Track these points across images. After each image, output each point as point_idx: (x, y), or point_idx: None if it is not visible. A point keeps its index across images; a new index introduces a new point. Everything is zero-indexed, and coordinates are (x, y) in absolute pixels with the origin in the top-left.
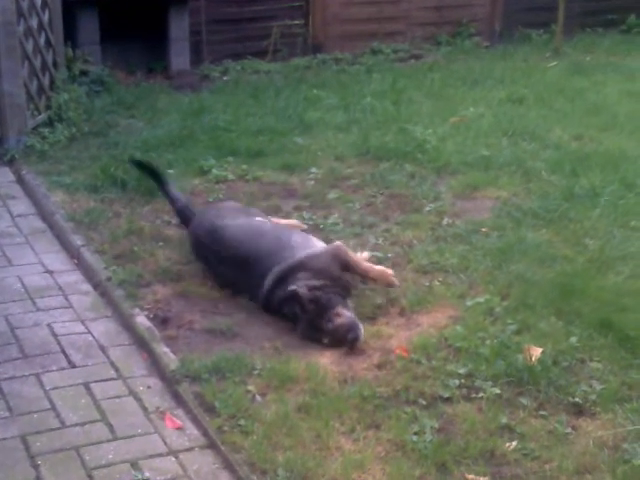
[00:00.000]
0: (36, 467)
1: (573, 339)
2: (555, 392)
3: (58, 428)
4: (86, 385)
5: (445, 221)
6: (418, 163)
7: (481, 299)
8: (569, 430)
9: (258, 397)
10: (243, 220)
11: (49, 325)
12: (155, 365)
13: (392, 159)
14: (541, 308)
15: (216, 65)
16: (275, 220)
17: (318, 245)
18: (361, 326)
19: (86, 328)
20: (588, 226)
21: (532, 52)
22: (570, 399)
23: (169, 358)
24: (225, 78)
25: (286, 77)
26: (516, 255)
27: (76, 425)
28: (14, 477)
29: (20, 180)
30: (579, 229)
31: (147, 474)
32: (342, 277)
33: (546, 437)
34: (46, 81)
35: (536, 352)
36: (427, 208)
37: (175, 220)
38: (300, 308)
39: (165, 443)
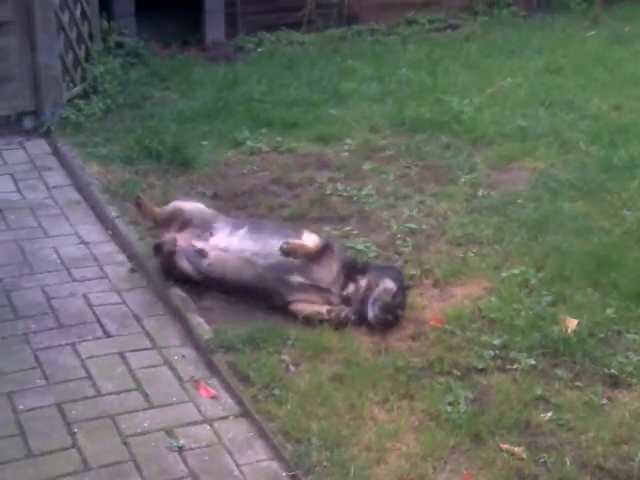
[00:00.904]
0: (72, 434)
1: (609, 311)
2: (591, 363)
3: (94, 396)
4: (121, 354)
5: (480, 192)
6: (454, 134)
7: (516, 270)
8: (605, 401)
9: (292, 367)
10: None
11: (84, 295)
12: (189, 335)
13: (427, 130)
14: (577, 280)
15: (251, 36)
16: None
17: None
18: None
19: (121, 298)
20: (626, 198)
21: (570, 22)
22: (606, 370)
23: (203, 328)
24: (260, 49)
25: (321, 48)
26: (552, 226)
27: (112, 394)
28: (51, 444)
29: (56, 152)
30: (617, 201)
31: (182, 441)
32: None
33: (581, 408)
34: (81, 53)
35: (572, 323)
36: (462, 179)
37: (209, 191)
38: None
39: (200, 412)
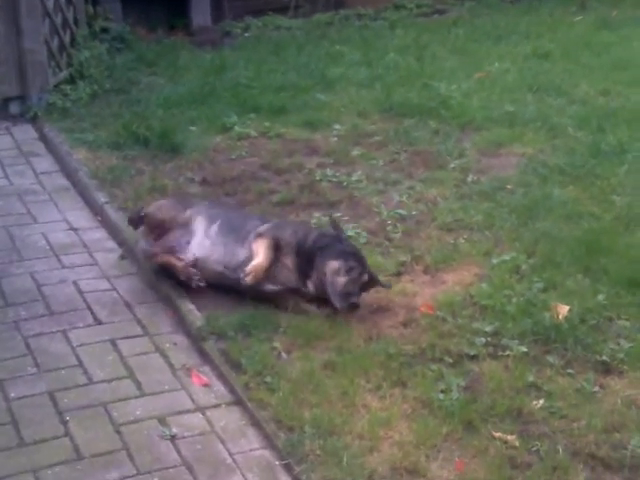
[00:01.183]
0: (65, 423)
1: (600, 297)
2: (582, 350)
3: (85, 384)
4: (112, 342)
5: (470, 178)
6: (442, 119)
7: (507, 257)
8: (597, 388)
9: (284, 354)
10: None
11: (75, 282)
12: (181, 322)
13: (416, 115)
14: (568, 266)
15: (237, 21)
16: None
17: None
18: None
19: (111, 285)
20: (615, 183)
21: (557, 6)
22: (598, 357)
23: (195, 315)
24: (246, 34)
25: (308, 33)
26: (542, 212)
27: (103, 381)
28: (43, 432)
29: (43, 137)
30: (606, 186)
31: (175, 430)
32: None
33: (574, 395)
34: (67, 38)
35: (563, 310)
36: (451, 165)
37: (198, 177)
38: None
39: (192, 400)
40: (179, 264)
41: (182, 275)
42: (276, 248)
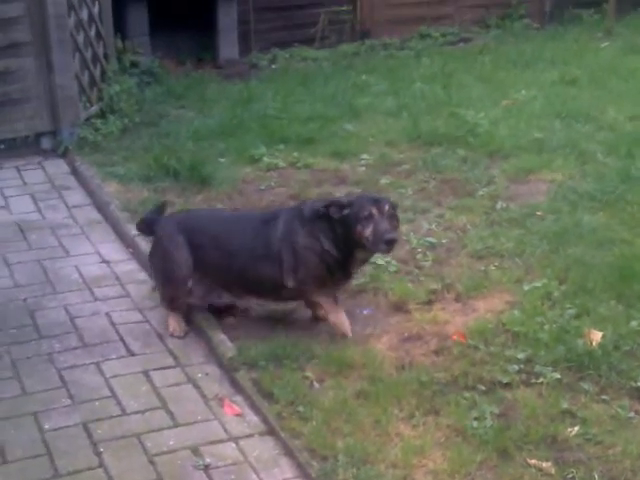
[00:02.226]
0: (99, 454)
1: (634, 323)
2: (617, 377)
3: (119, 415)
4: (145, 373)
5: (499, 205)
6: (470, 147)
7: (538, 283)
8: (632, 414)
9: (316, 384)
10: None
11: (107, 314)
12: (213, 353)
13: (443, 144)
14: (600, 292)
15: (264, 53)
16: None
17: None
18: None
19: (144, 317)
20: None
21: (583, 33)
22: (632, 384)
23: (226, 346)
24: (273, 66)
25: (334, 64)
26: (573, 238)
27: (137, 412)
28: (77, 464)
29: (74, 171)
30: (637, 211)
31: (208, 460)
32: None
33: (609, 422)
34: (97, 73)
35: (596, 336)
36: (480, 192)
37: (228, 208)
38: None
39: (225, 430)
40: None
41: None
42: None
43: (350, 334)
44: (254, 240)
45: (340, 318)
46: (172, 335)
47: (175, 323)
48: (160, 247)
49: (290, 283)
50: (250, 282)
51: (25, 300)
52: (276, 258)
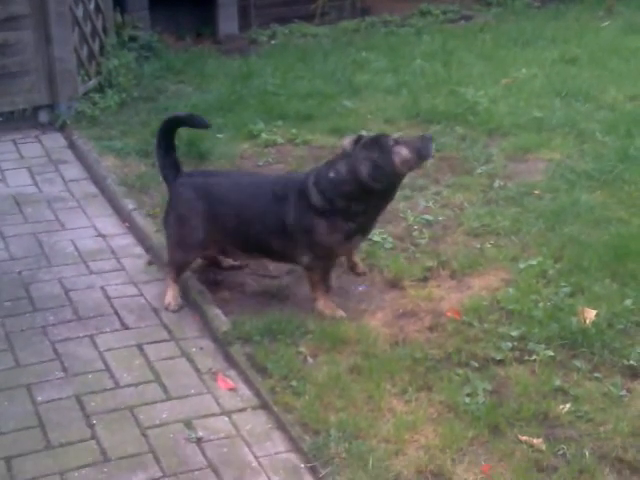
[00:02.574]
0: (91, 426)
1: (628, 301)
2: (609, 355)
3: (112, 388)
4: (139, 346)
5: (497, 183)
6: (469, 125)
7: (534, 262)
8: (624, 392)
9: (309, 359)
10: None
11: (102, 288)
12: (207, 327)
13: (443, 122)
14: (595, 270)
15: (264, 29)
16: None
17: None
18: None
19: (139, 291)
20: None
21: (584, 11)
22: (625, 362)
23: (221, 320)
24: (273, 42)
25: (334, 40)
26: (569, 217)
27: (130, 385)
28: (70, 436)
29: (72, 145)
30: (634, 191)
31: (201, 433)
32: None
33: (600, 399)
34: (96, 47)
35: (590, 315)
36: (478, 170)
37: None
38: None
39: (218, 403)
40: None
41: None
42: None
43: (337, 316)
44: (270, 212)
45: (327, 305)
46: (167, 308)
47: (172, 297)
48: (176, 212)
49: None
50: (267, 249)
51: (20, 273)
52: (290, 231)
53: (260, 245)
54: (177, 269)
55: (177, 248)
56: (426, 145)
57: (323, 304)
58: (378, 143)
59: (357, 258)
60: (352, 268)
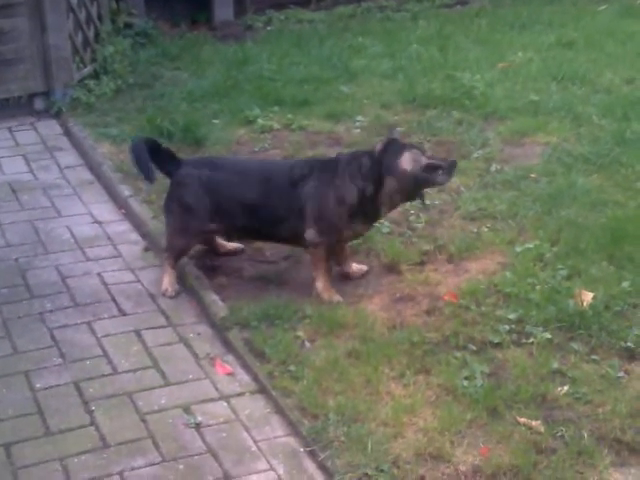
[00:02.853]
0: (90, 412)
1: (625, 284)
2: (607, 337)
3: (110, 374)
4: (137, 332)
5: (493, 167)
6: (465, 110)
7: (531, 245)
8: (621, 374)
9: (307, 343)
10: None
11: (99, 274)
12: (205, 312)
13: (439, 106)
14: (592, 253)
15: (259, 15)
16: None
17: None
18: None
19: (136, 277)
20: None
21: None
22: (622, 344)
23: (218, 306)
24: (269, 28)
25: (330, 26)
26: (566, 200)
27: (128, 371)
28: (69, 422)
29: (67, 132)
30: (631, 174)
31: (200, 418)
32: None
33: (598, 381)
34: (91, 34)
35: (587, 297)
36: (475, 155)
37: None
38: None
39: (216, 388)
40: None
41: None
42: None
43: (334, 301)
44: (282, 200)
45: (326, 287)
46: (164, 295)
47: (169, 283)
48: (179, 198)
49: (311, 236)
50: (274, 234)
51: (17, 260)
52: (300, 214)
53: (269, 229)
54: (176, 255)
55: (178, 234)
56: (448, 167)
57: (322, 286)
58: (395, 146)
59: (354, 267)
60: (348, 275)
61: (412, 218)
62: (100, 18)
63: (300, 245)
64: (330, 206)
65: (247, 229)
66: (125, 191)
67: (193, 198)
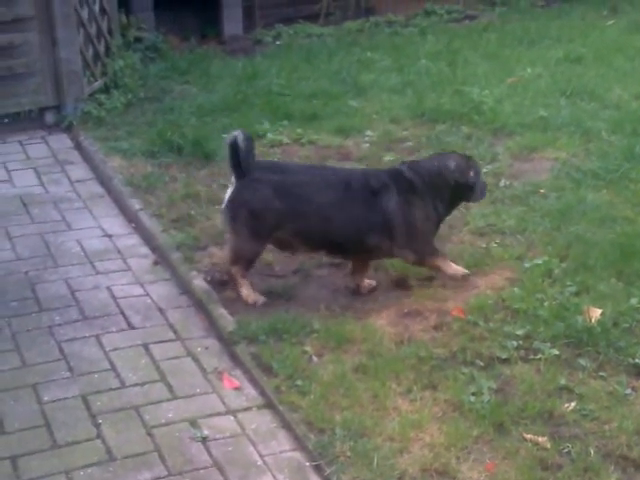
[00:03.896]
0: (97, 426)
1: (634, 300)
2: (615, 353)
3: (118, 388)
4: (145, 346)
5: (502, 182)
6: (474, 125)
7: (539, 260)
8: (629, 391)
9: (315, 358)
10: None
11: (108, 288)
12: (213, 327)
13: (448, 121)
14: (601, 269)
15: (268, 30)
16: None
17: None
18: None
19: (145, 291)
20: None
21: (588, 10)
22: (630, 360)
23: (226, 320)
24: (278, 42)
25: (339, 40)
26: (575, 216)
27: (136, 385)
28: (76, 435)
29: (78, 146)
30: None
31: (206, 432)
32: None
33: (605, 398)
34: (101, 48)
35: (595, 313)
36: (484, 170)
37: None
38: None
39: (223, 403)
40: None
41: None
42: None
43: (467, 272)
44: (362, 208)
45: (454, 269)
46: (255, 305)
47: (250, 292)
48: (249, 208)
49: (410, 257)
50: (347, 247)
51: (26, 273)
52: (385, 229)
53: (342, 237)
54: (245, 264)
55: (247, 243)
56: (481, 184)
57: (452, 268)
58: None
59: (365, 281)
60: (357, 289)
61: None
62: (110, 32)
63: (368, 254)
64: (419, 226)
65: (317, 236)
66: (135, 205)
67: (263, 203)
